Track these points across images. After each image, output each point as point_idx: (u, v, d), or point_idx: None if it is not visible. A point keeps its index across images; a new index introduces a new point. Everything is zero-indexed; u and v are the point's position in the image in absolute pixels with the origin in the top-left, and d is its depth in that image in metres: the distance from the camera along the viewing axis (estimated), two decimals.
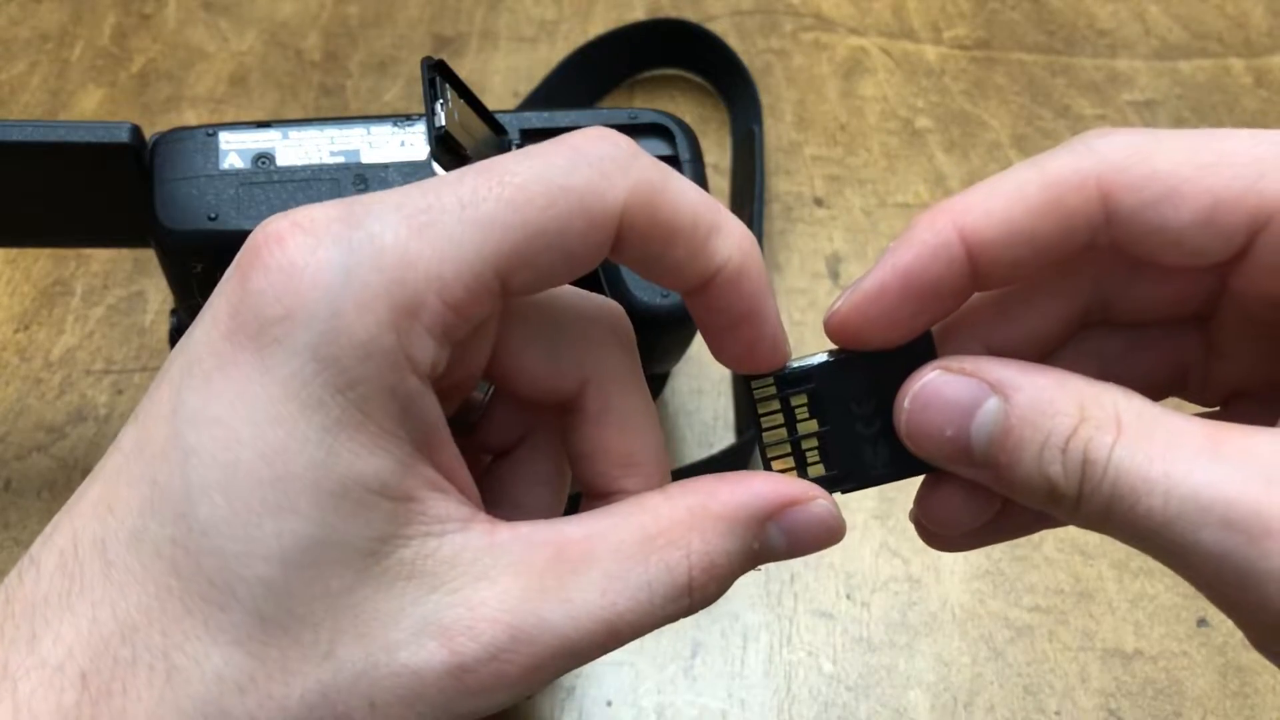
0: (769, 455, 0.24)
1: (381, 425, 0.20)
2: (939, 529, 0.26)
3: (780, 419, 0.24)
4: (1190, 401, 0.27)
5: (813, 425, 0.24)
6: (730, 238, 0.22)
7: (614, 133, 0.22)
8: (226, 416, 0.20)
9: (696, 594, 0.22)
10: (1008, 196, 0.23)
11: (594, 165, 0.21)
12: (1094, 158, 0.22)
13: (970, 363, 0.23)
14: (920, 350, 0.24)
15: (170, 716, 0.19)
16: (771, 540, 0.23)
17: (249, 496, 0.19)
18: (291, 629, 0.19)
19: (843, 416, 0.24)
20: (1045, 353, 0.26)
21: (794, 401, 0.24)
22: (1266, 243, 0.22)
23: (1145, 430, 0.21)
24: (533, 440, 0.26)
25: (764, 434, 0.24)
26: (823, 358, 0.24)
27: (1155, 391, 0.26)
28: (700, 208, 0.22)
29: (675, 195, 0.22)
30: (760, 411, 0.24)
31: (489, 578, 0.20)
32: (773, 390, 0.23)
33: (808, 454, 0.24)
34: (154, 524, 0.20)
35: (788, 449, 0.24)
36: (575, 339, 0.24)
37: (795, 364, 0.24)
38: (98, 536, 0.20)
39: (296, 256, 0.20)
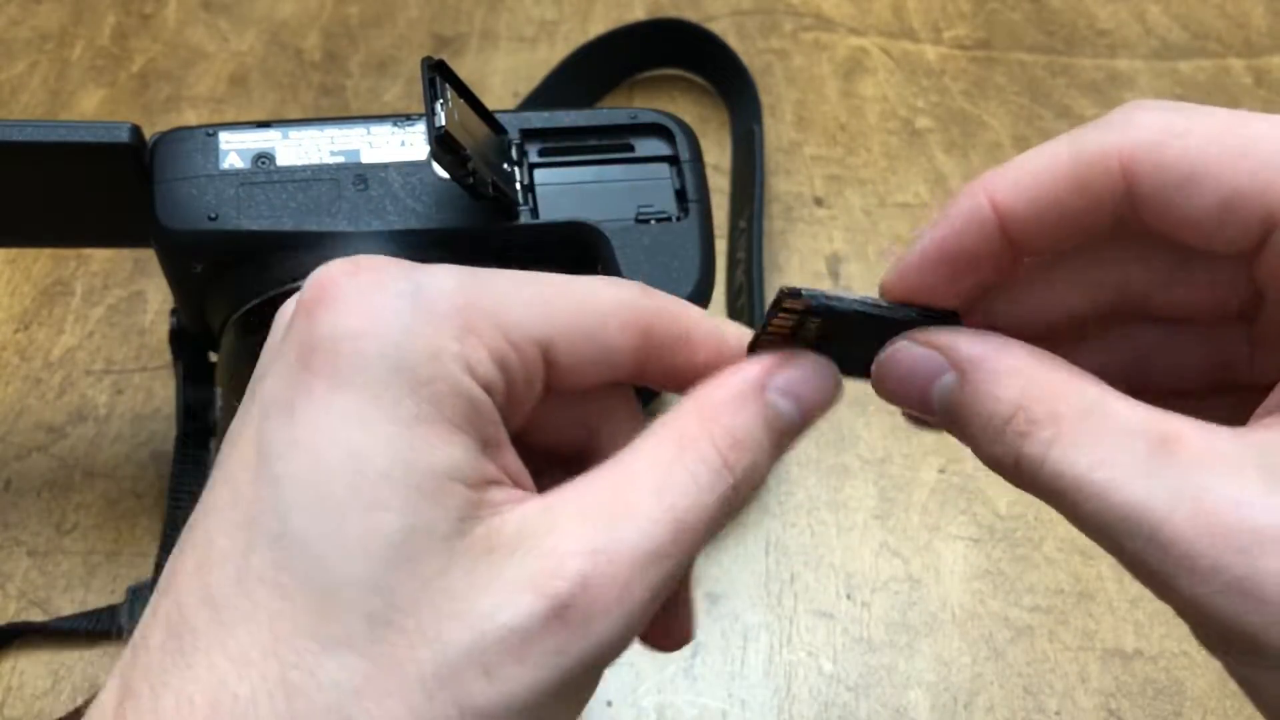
0: (760, 342, 0.25)
1: (453, 421, 0.21)
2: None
3: (788, 328, 0.25)
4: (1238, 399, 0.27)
5: (811, 340, 0.25)
6: (734, 327, 0.26)
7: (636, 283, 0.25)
8: (310, 437, 0.21)
9: (737, 470, 0.23)
10: (1037, 170, 0.24)
11: (625, 287, 0.24)
12: (1123, 135, 0.23)
13: (942, 335, 0.24)
14: (944, 317, 0.25)
15: None
16: (780, 408, 0.24)
17: (339, 500, 0.20)
18: (395, 621, 0.20)
19: (843, 345, 0.25)
20: (1078, 336, 0.26)
21: (810, 323, 0.24)
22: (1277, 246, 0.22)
23: (1089, 431, 0.22)
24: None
25: (768, 328, 0.25)
26: (856, 303, 0.25)
27: (1201, 389, 0.26)
28: (711, 320, 0.25)
29: (691, 312, 0.25)
30: (776, 319, 0.25)
31: (557, 528, 0.21)
32: (799, 310, 0.24)
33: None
34: (255, 559, 0.20)
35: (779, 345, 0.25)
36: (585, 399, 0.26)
37: (832, 300, 0.24)
38: (203, 593, 0.21)
39: (366, 286, 0.22)
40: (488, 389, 0.22)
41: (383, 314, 0.21)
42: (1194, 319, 0.26)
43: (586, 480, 0.22)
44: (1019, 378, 0.23)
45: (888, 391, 0.25)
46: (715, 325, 0.25)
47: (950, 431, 0.24)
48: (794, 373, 0.24)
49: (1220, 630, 0.21)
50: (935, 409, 0.24)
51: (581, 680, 0.21)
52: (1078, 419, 0.22)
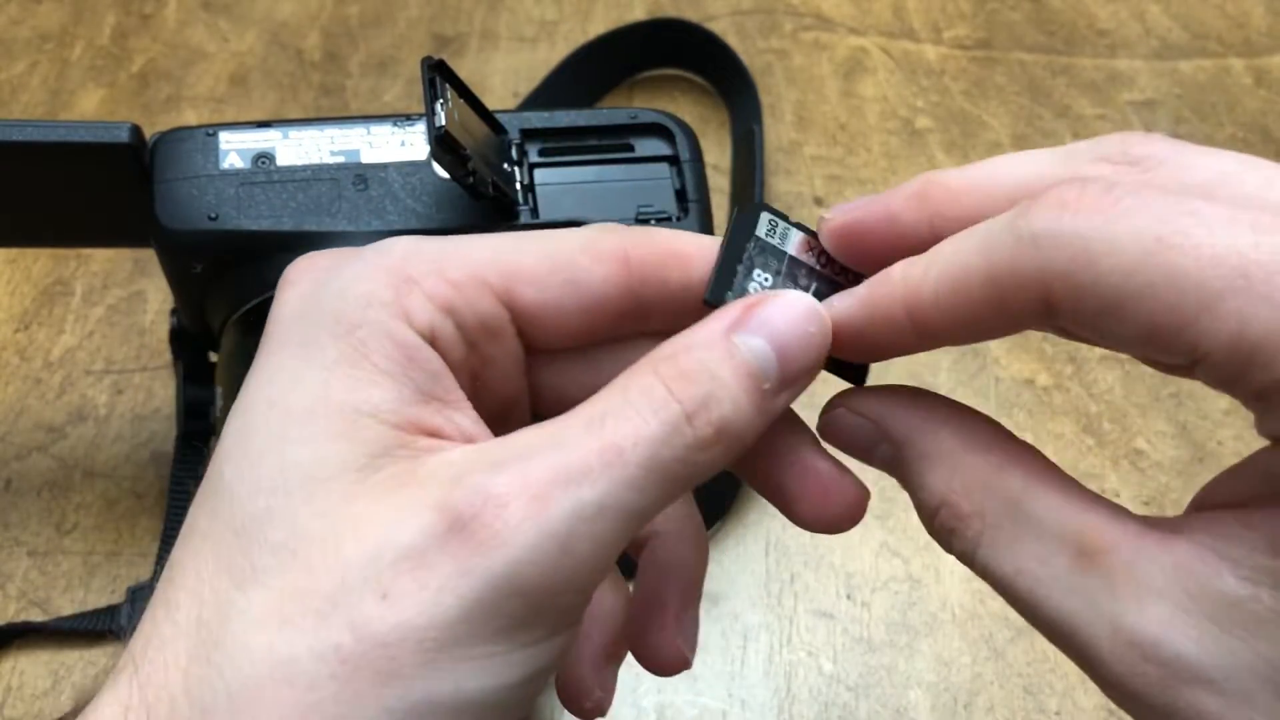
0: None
1: (379, 365, 0.21)
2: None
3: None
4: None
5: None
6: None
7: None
8: (246, 396, 0.22)
9: (685, 399, 0.21)
10: (953, 281, 0.22)
11: (588, 229, 0.24)
12: (1039, 260, 0.20)
13: (874, 406, 0.24)
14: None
15: (206, 673, 0.20)
16: (756, 351, 0.22)
17: (258, 443, 0.21)
18: (300, 550, 0.20)
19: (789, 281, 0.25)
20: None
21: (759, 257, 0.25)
22: (1208, 370, 0.20)
23: (1012, 534, 0.21)
24: None
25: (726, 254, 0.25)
26: (795, 245, 0.25)
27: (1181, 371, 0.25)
28: (694, 236, 0.25)
29: (670, 232, 0.24)
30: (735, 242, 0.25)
31: (484, 463, 0.20)
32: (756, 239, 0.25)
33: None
34: (198, 515, 0.21)
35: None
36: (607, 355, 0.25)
37: (774, 236, 0.25)
38: (169, 563, 0.22)
39: (313, 266, 0.23)
40: (432, 337, 0.22)
41: (322, 276, 0.23)
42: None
43: (525, 429, 0.21)
44: (944, 466, 0.22)
45: (836, 445, 0.25)
46: (708, 240, 0.24)
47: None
48: (773, 311, 0.22)
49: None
50: (878, 466, 0.24)
51: (499, 610, 0.19)
52: (1002, 517, 0.21)
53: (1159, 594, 0.20)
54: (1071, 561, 0.21)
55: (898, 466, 0.23)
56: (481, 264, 0.23)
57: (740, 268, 0.24)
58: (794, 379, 0.23)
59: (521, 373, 0.24)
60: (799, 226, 0.25)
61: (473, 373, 0.23)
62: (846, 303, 0.23)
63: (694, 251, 0.24)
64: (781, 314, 0.22)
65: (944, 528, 0.22)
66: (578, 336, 0.24)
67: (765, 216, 0.25)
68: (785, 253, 0.25)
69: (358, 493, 0.20)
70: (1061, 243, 0.20)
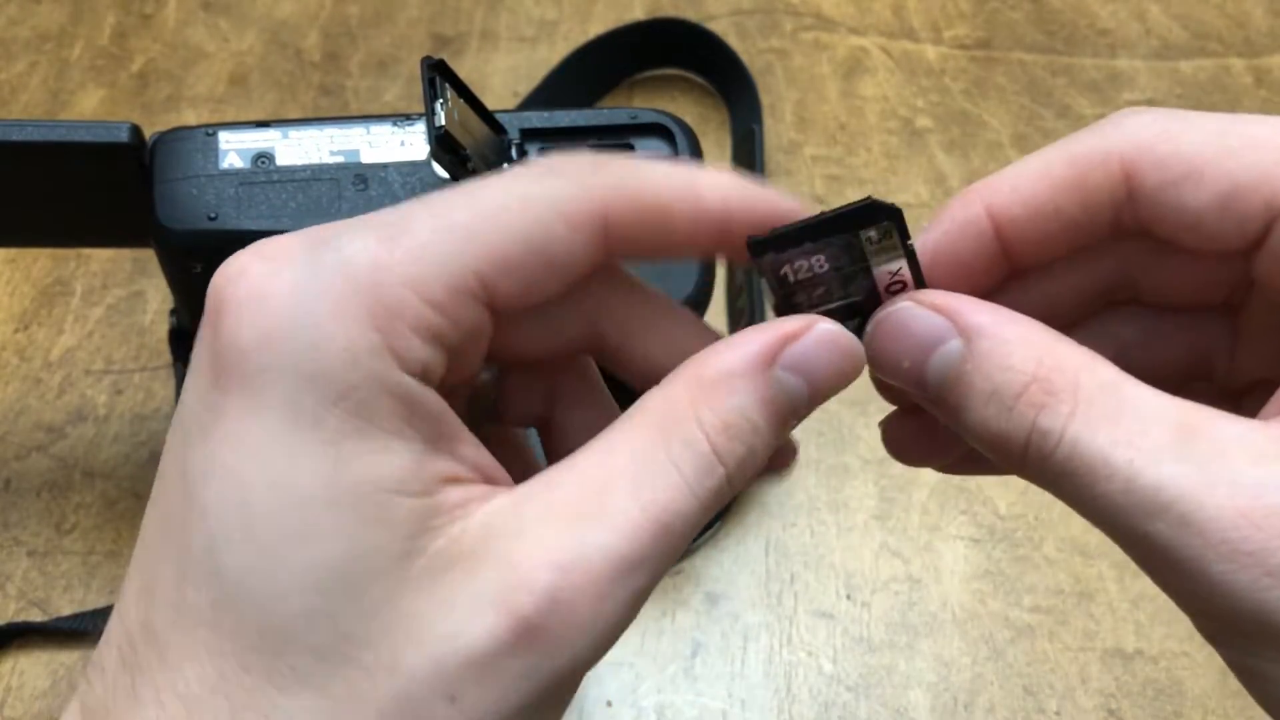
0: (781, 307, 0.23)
1: (384, 427, 0.19)
2: (903, 461, 0.26)
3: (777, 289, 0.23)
4: (1214, 389, 0.27)
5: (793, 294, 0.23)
6: (710, 175, 0.22)
7: (574, 153, 0.22)
8: (231, 462, 0.19)
9: (728, 461, 0.21)
10: (1034, 174, 0.23)
11: (561, 173, 0.21)
12: (1120, 136, 0.22)
13: (945, 299, 0.22)
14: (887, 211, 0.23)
15: None
16: (786, 385, 0.21)
17: (269, 533, 0.19)
18: (349, 653, 0.19)
19: (825, 289, 0.23)
20: (1063, 326, 0.25)
21: (787, 270, 0.23)
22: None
23: (1110, 408, 0.20)
24: (567, 396, 0.25)
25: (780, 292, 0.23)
26: (884, 267, 0.23)
27: (1178, 378, 0.25)
28: (675, 174, 0.22)
29: (649, 173, 0.22)
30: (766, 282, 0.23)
31: (524, 533, 0.19)
32: (762, 256, 0.23)
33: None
34: (191, 592, 0.19)
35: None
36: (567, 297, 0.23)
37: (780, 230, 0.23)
38: (146, 622, 0.19)
39: (261, 284, 0.19)
40: (424, 374, 0.20)
41: (285, 311, 0.19)
42: (1179, 307, 0.25)
43: (559, 472, 0.20)
44: (1034, 348, 0.21)
45: (880, 353, 0.23)
46: (686, 180, 0.22)
47: (937, 407, 0.22)
48: (808, 345, 0.21)
49: (1246, 618, 0.20)
50: (929, 379, 0.22)
51: (555, 695, 0.20)
52: (1096, 395, 0.20)
53: (1270, 458, 0.19)
54: (1175, 433, 0.20)
55: (965, 362, 0.21)
56: (461, 269, 0.20)
57: (810, 244, 0.23)
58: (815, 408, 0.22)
59: (484, 350, 0.22)
60: (909, 255, 0.23)
61: (452, 381, 0.22)
62: (931, 231, 0.23)
63: (675, 205, 0.22)
64: (824, 355, 0.22)
65: (1031, 404, 0.21)
66: (546, 302, 0.22)
67: (886, 225, 0.22)
68: (866, 264, 0.23)
69: (404, 586, 0.19)
70: (1142, 122, 0.22)
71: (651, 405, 0.21)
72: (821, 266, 0.23)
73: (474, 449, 0.21)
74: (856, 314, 0.23)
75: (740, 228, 0.22)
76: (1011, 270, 0.24)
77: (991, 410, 0.21)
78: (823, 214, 0.23)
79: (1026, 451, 0.21)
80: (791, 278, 0.23)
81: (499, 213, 0.20)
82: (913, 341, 0.22)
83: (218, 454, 0.19)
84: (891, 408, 0.27)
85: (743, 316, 0.50)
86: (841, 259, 0.23)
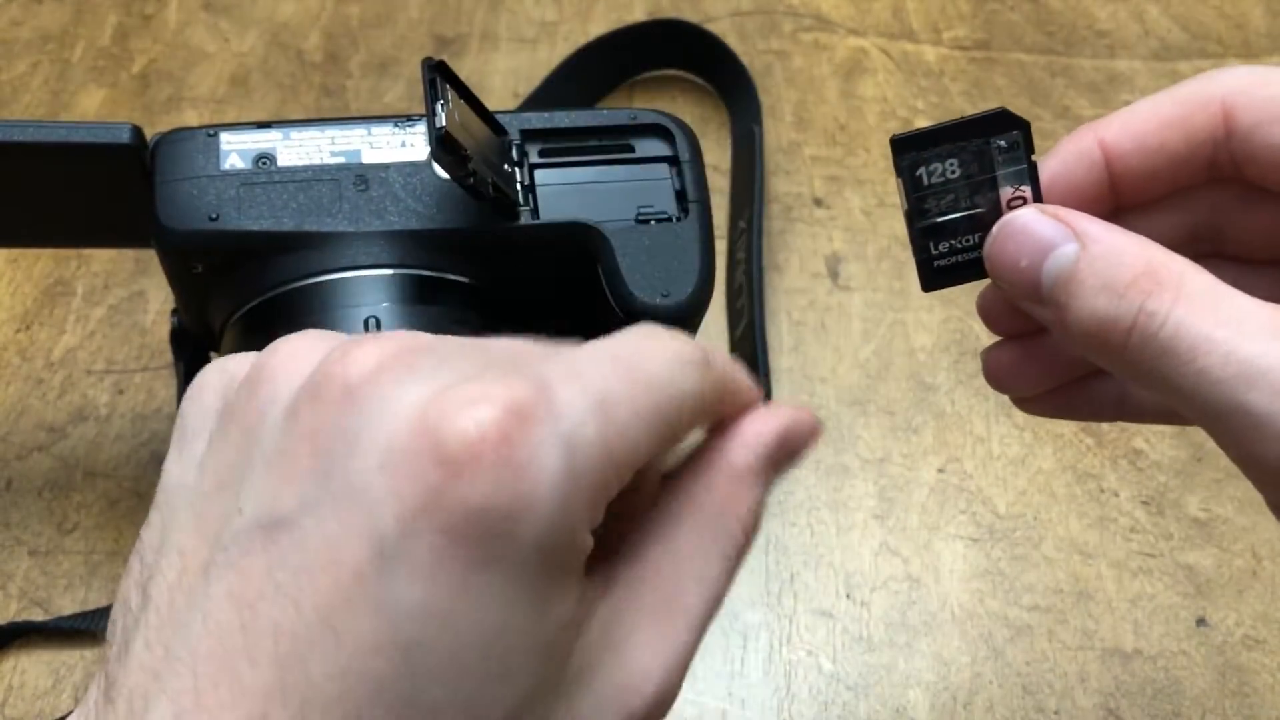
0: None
1: (573, 576, 0.21)
2: (998, 388, 0.29)
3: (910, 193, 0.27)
4: None
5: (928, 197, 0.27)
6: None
7: (678, 333, 0.24)
8: (450, 611, 0.19)
9: (750, 539, 0.24)
10: (1144, 113, 0.26)
11: (696, 367, 0.23)
12: (1221, 82, 0.26)
13: (1064, 210, 0.25)
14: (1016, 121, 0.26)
15: None
16: (780, 467, 0.25)
17: (475, 676, 0.20)
18: None
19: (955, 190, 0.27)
20: None
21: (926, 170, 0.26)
22: None
23: (1210, 300, 0.23)
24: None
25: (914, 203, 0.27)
26: (1009, 175, 0.26)
27: None
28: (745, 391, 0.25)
29: (742, 386, 0.25)
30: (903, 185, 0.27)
31: (627, 639, 0.22)
32: (903, 165, 0.26)
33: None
34: (371, 711, 0.20)
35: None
36: None
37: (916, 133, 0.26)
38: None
39: (524, 454, 0.20)
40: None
41: (541, 491, 0.20)
42: (1261, 260, 0.28)
43: (636, 568, 0.23)
44: (1142, 251, 0.24)
45: (1000, 253, 0.26)
46: (753, 391, 0.25)
47: (1046, 306, 0.25)
48: (795, 440, 0.25)
49: None
50: (1044, 277, 0.25)
51: None
52: (1202, 289, 0.23)
53: None
54: (1270, 319, 0.23)
55: (1080, 260, 0.24)
56: (647, 453, 0.22)
57: (947, 146, 0.26)
58: None
59: None
60: (1031, 169, 0.26)
61: None
62: (1048, 160, 0.26)
63: (744, 405, 0.25)
64: (806, 443, 0.25)
65: (1141, 291, 0.23)
66: None
67: (1016, 135, 0.26)
68: (994, 175, 0.26)
69: (558, 699, 0.21)
70: (1242, 72, 0.26)
71: (699, 500, 0.24)
72: (954, 171, 0.26)
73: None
74: (977, 228, 0.26)
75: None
76: (1116, 205, 0.27)
77: (1101, 299, 0.24)
78: (959, 118, 0.26)
79: (1131, 333, 0.23)
80: (925, 180, 0.26)
81: (667, 405, 0.22)
82: (1033, 243, 0.25)
83: (439, 599, 0.19)
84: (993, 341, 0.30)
85: (742, 316, 0.51)
86: (972, 166, 0.26)
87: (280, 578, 0.20)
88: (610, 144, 0.39)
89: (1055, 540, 0.45)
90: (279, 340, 0.23)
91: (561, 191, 0.38)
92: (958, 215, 0.26)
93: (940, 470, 0.47)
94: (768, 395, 0.47)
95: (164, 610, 0.21)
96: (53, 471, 0.47)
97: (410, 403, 0.20)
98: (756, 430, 0.24)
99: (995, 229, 0.26)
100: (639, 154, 0.39)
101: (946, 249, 0.27)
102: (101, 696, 0.21)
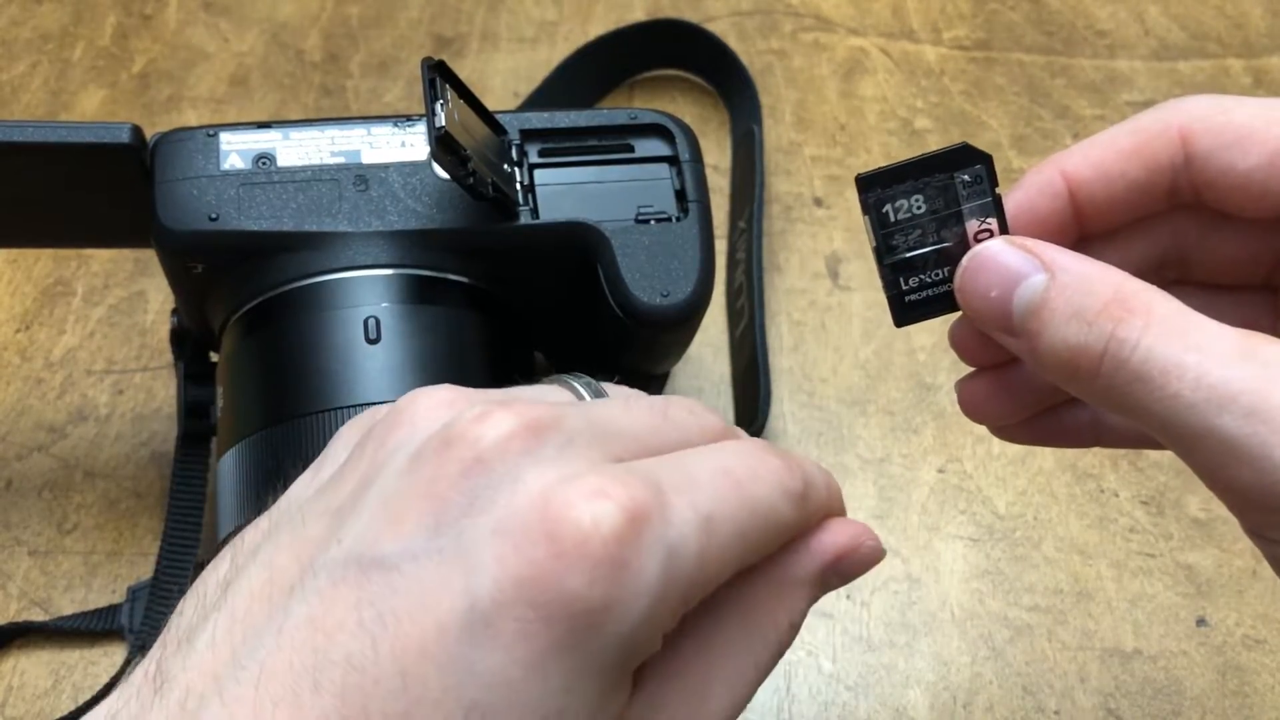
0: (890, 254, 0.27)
1: (632, 674, 0.22)
2: (974, 418, 0.30)
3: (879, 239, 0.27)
4: None
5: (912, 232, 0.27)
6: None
7: (790, 454, 0.24)
8: (521, 686, 0.20)
9: (785, 647, 0.25)
10: (1104, 143, 0.27)
11: (794, 499, 0.24)
12: (1179, 110, 0.26)
13: (1031, 241, 0.26)
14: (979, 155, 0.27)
15: None
16: (829, 583, 0.25)
17: None
18: None
19: (921, 229, 0.27)
20: None
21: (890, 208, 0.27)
22: None
23: (1179, 325, 0.23)
24: None
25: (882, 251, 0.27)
26: (974, 210, 0.27)
27: None
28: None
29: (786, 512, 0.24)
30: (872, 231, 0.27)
31: None
32: (869, 204, 0.27)
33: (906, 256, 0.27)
34: None
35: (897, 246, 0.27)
36: None
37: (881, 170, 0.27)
38: None
39: (629, 557, 0.20)
40: None
41: (637, 594, 0.20)
42: (1225, 285, 0.28)
43: (669, 663, 0.23)
44: (1112, 279, 0.24)
45: (971, 285, 0.26)
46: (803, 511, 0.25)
47: (1017, 336, 0.25)
48: (857, 559, 0.25)
49: None
50: (1014, 307, 0.25)
51: None
52: (1171, 315, 0.23)
53: None
54: (1238, 343, 0.23)
55: (1049, 291, 0.24)
56: (723, 569, 0.22)
57: (911, 182, 0.26)
58: None
59: None
60: (996, 202, 0.26)
61: None
62: (1012, 193, 0.27)
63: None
64: (862, 568, 0.25)
65: (1111, 319, 0.24)
66: None
67: (979, 169, 0.26)
68: (959, 209, 0.26)
69: None
70: (1199, 100, 0.26)
71: (743, 604, 0.24)
72: (920, 207, 0.26)
73: None
74: (945, 262, 0.27)
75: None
76: (1081, 235, 0.28)
77: (1072, 328, 0.24)
78: (922, 154, 0.26)
79: (1102, 360, 0.24)
80: (892, 216, 0.27)
81: (761, 532, 0.23)
82: (1003, 273, 0.25)
83: (512, 670, 0.20)
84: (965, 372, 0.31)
85: (742, 316, 0.51)
86: (937, 201, 0.26)
87: (365, 615, 0.20)
88: (610, 144, 0.39)
89: (1055, 540, 0.45)
90: (423, 389, 0.24)
91: (561, 191, 0.38)
92: (926, 250, 0.27)
93: (940, 470, 0.47)
94: (768, 395, 0.47)
95: (239, 616, 0.21)
96: (53, 471, 0.47)
97: (536, 481, 0.21)
98: (819, 544, 0.25)
99: (964, 261, 0.26)
100: (639, 154, 0.39)
101: (916, 283, 0.27)
102: (149, 685, 0.21)
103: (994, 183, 0.26)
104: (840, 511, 0.26)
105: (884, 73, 0.62)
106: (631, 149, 0.39)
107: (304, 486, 0.24)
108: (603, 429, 0.23)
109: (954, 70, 0.62)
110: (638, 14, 0.64)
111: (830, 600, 0.44)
